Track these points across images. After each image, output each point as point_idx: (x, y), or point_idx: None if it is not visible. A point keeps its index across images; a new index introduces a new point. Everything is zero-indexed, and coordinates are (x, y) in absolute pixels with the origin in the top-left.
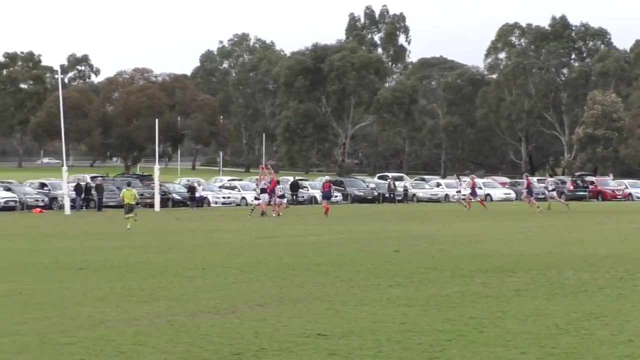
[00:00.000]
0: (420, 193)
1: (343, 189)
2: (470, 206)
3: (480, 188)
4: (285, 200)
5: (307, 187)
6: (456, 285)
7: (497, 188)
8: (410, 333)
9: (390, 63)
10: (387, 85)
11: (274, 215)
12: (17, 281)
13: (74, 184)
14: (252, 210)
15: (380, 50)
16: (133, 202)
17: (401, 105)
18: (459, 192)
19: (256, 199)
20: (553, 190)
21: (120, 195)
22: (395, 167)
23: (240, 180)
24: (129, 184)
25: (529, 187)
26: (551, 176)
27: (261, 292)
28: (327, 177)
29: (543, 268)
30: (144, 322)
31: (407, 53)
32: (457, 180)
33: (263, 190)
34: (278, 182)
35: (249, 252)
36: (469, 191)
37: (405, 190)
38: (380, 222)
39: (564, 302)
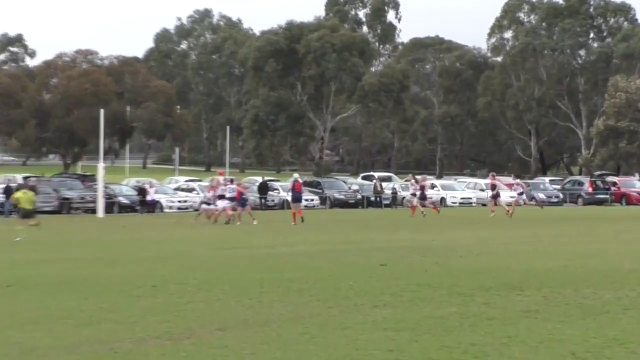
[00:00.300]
0: (411, 196)
1: (321, 191)
2: (415, 212)
3: (483, 190)
4: (210, 208)
5: (278, 189)
6: (454, 306)
7: (502, 190)
8: None
9: (377, 44)
10: (373, 69)
11: (237, 222)
12: None
13: (3, 186)
14: (197, 215)
15: (365, 28)
16: (30, 207)
17: (390, 92)
18: (414, 195)
19: (205, 203)
20: (521, 193)
21: (14, 197)
22: (383, 166)
23: (200, 181)
24: (25, 187)
25: (495, 189)
26: (517, 177)
27: (222, 314)
28: (296, 175)
29: (557, 285)
30: (83, 350)
31: (397, 32)
32: (413, 180)
33: (221, 197)
34: (232, 181)
35: (208, 265)
36: (419, 194)
37: (394, 192)
38: (364, 230)
39: (581, 326)
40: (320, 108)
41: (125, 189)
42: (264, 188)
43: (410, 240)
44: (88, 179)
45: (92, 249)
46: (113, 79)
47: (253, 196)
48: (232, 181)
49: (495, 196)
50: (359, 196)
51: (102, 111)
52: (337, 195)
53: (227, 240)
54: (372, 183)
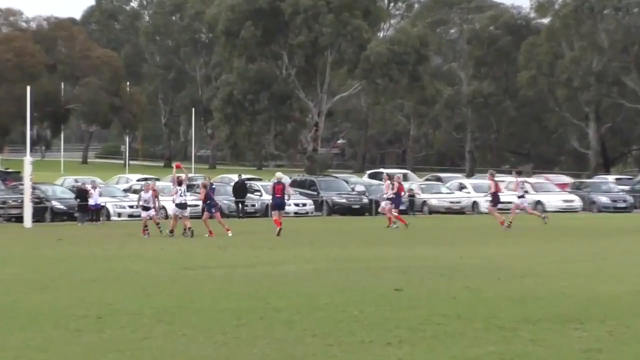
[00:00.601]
0: (433, 200)
1: (316, 193)
2: (400, 221)
3: (527, 192)
4: (149, 214)
5: (259, 191)
6: (491, 343)
7: (553, 192)
8: None
9: (386, 1)
10: (381, 35)
11: (167, 233)
12: None
13: None
14: (145, 229)
15: None
16: None
17: (403, 65)
18: (390, 200)
19: (145, 208)
20: (522, 196)
21: None
22: (396, 160)
23: (158, 179)
24: None
25: (495, 193)
26: (519, 174)
27: (188, 353)
28: (279, 174)
29: (626, 317)
30: None
31: None
32: (389, 182)
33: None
34: (180, 183)
35: (170, 290)
36: (392, 199)
37: (412, 195)
38: (372, 245)
39: None
40: (314, 85)
41: (60, 191)
42: (241, 189)
43: (433, 257)
44: (11, 177)
45: (18, 268)
46: (42, 47)
47: (226, 200)
48: (180, 183)
49: (495, 202)
50: (365, 200)
51: (28, 89)
52: (336, 199)
53: (193, 258)
54: (383, 183)
